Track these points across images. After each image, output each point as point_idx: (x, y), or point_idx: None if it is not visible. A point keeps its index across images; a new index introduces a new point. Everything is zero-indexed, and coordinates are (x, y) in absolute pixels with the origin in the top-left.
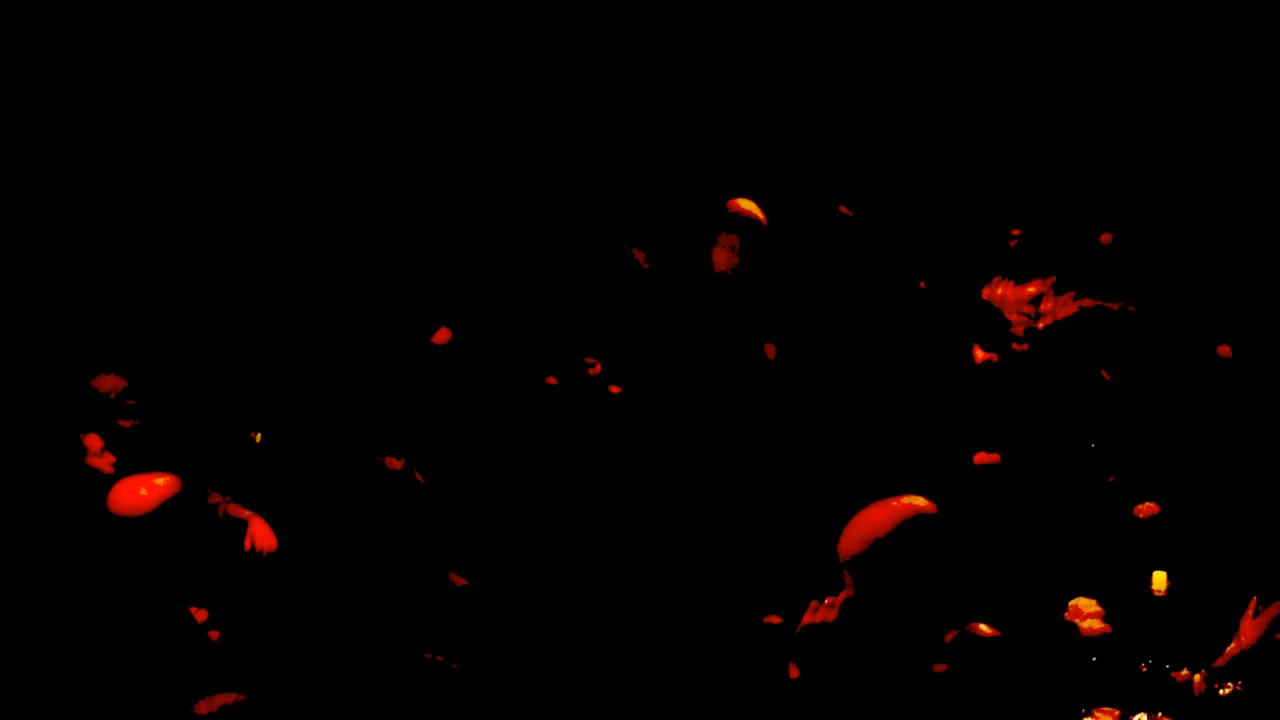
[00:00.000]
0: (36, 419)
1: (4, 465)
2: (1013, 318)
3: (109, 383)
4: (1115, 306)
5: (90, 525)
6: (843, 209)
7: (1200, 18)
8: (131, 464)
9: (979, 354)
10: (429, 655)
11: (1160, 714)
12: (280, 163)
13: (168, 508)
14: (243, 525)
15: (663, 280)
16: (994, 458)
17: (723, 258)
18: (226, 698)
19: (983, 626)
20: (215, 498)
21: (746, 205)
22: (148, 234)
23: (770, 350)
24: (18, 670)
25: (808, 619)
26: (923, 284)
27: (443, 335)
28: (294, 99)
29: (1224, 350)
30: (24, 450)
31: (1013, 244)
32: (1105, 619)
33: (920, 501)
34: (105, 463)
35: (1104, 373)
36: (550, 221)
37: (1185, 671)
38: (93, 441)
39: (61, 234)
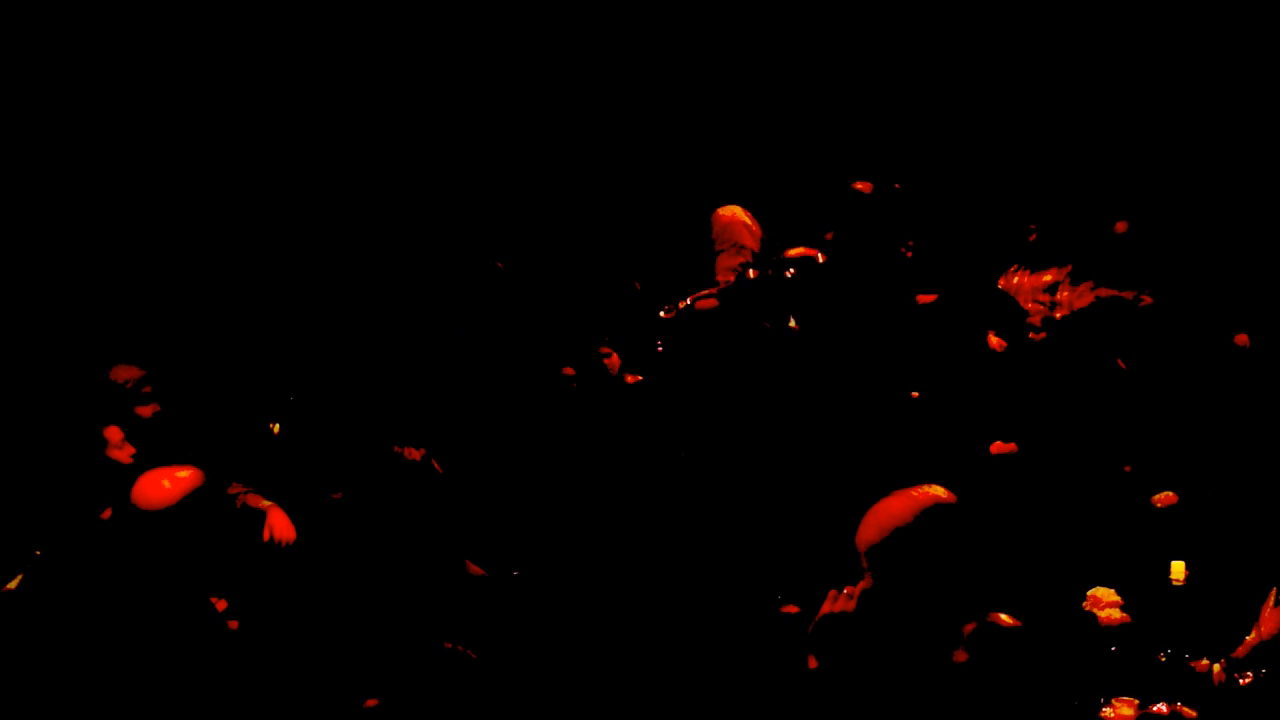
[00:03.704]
0: (57, 411)
1: (26, 457)
2: (1029, 307)
3: (126, 373)
4: (1131, 296)
5: (112, 516)
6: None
7: (1212, 10)
8: (151, 455)
9: (994, 342)
10: (449, 645)
11: (1179, 704)
12: (298, 156)
13: (190, 500)
14: (261, 516)
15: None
16: (1011, 447)
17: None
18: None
19: (1002, 616)
20: (235, 488)
21: (728, 213)
22: (166, 227)
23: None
24: (39, 662)
25: (826, 609)
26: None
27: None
28: (312, 96)
29: (1241, 339)
30: (45, 443)
31: (1032, 238)
32: (1124, 609)
33: (939, 491)
34: (125, 454)
35: (1120, 361)
36: (565, 215)
37: (1205, 661)
38: (113, 434)
39: (79, 226)
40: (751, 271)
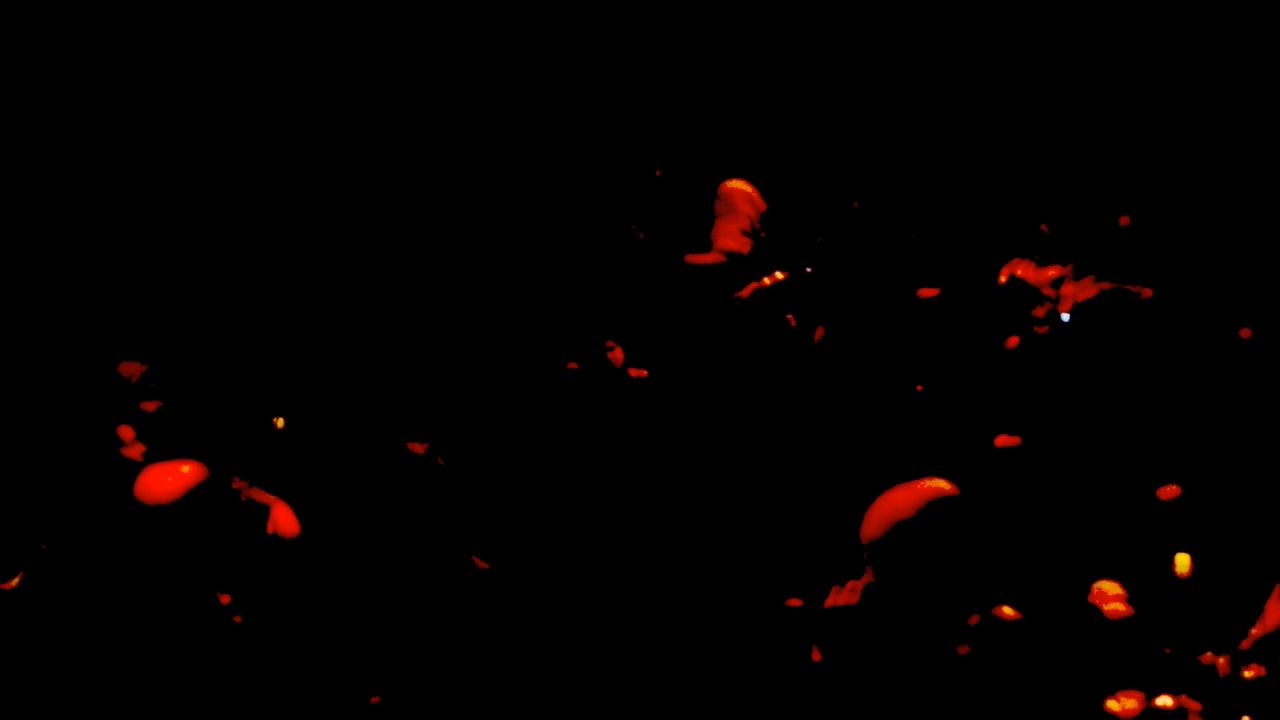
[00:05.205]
0: (65, 409)
1: (36, 456)
2: (1033, 301)
3: (130, 368)
4: (1135, 289)
5: (122, 513)
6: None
7: (1213, 7)
8: (156, 450)
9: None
10: (452, 638)
11: (1184, 697)
12: (301, 150)
13: (194, 495)
14: (265, 510)
15: (675, 263)
16: (1015, 440)
17: (729, 238)
18: None
19: (1005, 609)
20: (238, 483)
21: (731, 185)
22: (169, 223)
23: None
24: (39, 660)
25: (830, 602)
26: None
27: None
28: (312, 95)
29: (1245, 333)
30: (56, 440)
31: (1044, 228)
32: (1128, 602)
33: (942, 484)
34: (137, 452)
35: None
36: (570, 208)
37: (1209, 655)
38: (125, 432)
39: (82, 220)
40: (746, 240)
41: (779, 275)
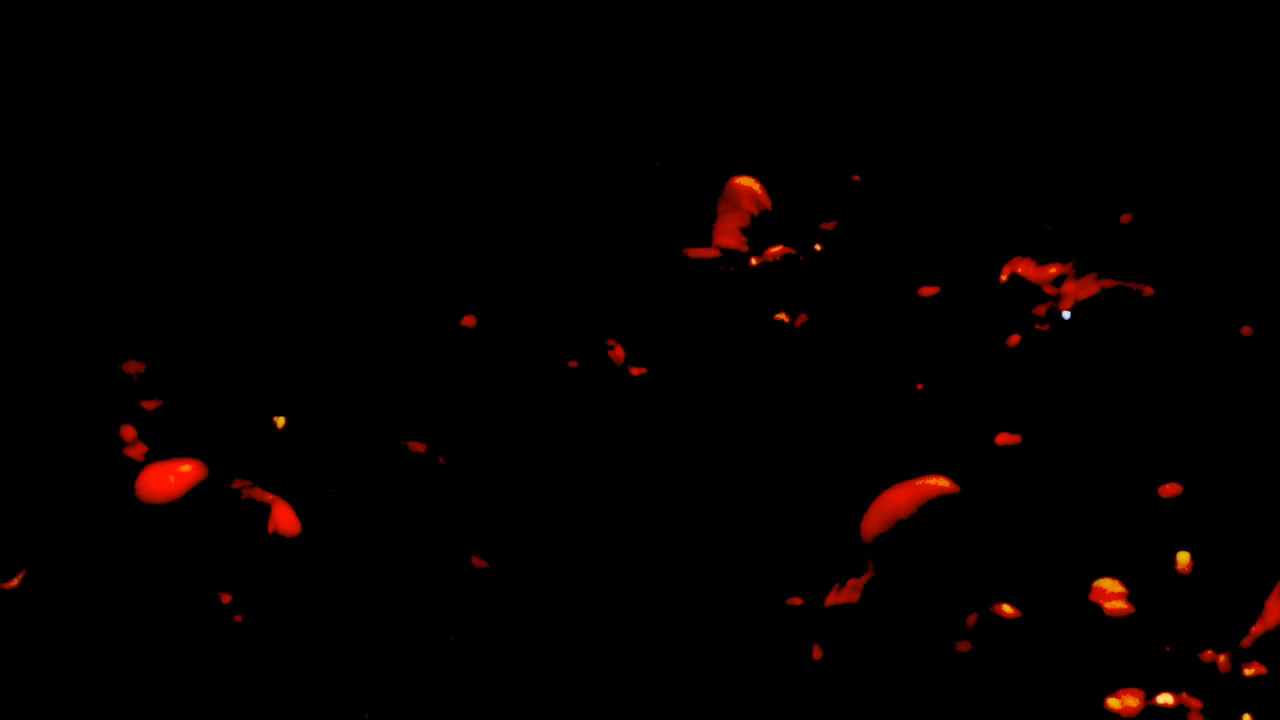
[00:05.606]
0: (66, 408)
1: (37, 456)
2: (1033, 299)
3: (130, 367)
4: (1137, 287)
5: (123, 513)
6: (854, 177)
7: (1218, 3)
8: (157, 449)
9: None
10: (452, 639)
11: (1185, 695)
12: (300, 150)
13: (194, 494)
14: (265, 510)
15: (677, 261)
16: (1016, 438)
17: (730, 234)
18: None
19: (1005, 607)
20: (238, 483)
21: (737, 181)
22: (169, 222)
23: (785, 318)
24: (39, 660)
25: (830, 600)
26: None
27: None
28: (312, 94)
29: (1246, 330)
30: (57, 440)
31: (1048, 227)
32: (1129, 600)
33: (942, 482)
34: (138, 452)
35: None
36: (570, 206)
37: (1210, 653)
38: (127, 432)
39: (82, 220)
40: (745, 239)
41: (784, 248)
